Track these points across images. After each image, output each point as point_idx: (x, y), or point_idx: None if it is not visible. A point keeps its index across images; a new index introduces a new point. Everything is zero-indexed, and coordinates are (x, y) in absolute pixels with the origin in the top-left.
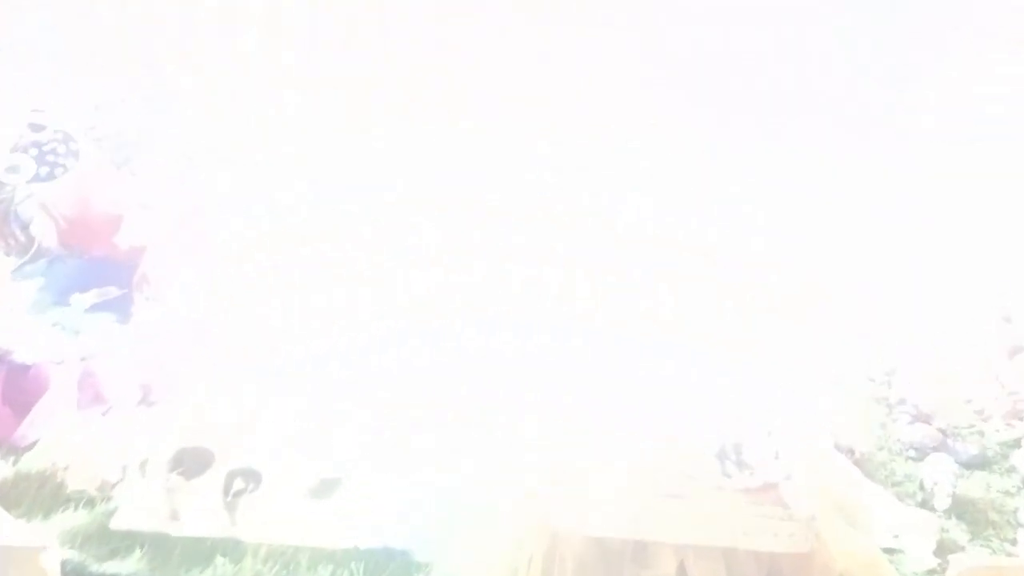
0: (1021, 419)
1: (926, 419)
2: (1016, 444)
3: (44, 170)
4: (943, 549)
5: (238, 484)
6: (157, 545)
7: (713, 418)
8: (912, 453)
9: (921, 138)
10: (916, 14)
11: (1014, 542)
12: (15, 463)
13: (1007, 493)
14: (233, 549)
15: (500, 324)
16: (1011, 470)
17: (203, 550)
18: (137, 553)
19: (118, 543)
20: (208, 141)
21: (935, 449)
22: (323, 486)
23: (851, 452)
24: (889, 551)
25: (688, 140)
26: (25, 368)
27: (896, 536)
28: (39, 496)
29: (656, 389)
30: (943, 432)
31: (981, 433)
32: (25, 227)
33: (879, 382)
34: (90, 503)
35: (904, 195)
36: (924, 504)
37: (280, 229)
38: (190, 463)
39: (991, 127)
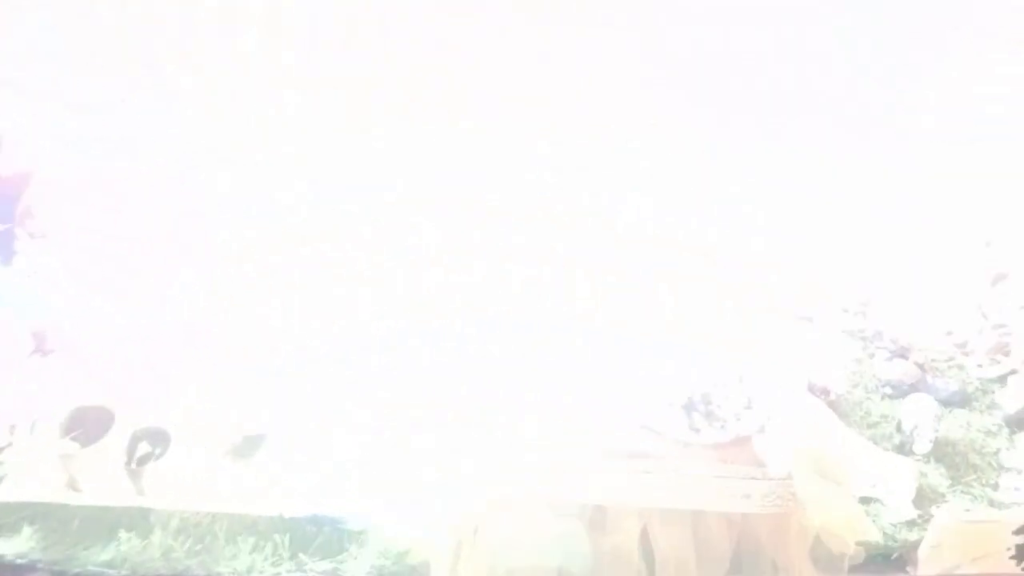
0: (1007, 354)
1: (903, 354)
2: (1001, 381)
3: None
4: (922, 497)
5: (143, 448)
6: (51, 518)
7: (681, 370)
8: (888, 391)
9: (921, 138)
10: (916, 14)
11: (996, 486)
12: None
13: (988, 432)
14: (140, 521)
15: (500, 324)
16: (992, 407)
17: (105, 523)
18: (27, 529)
19: (5, 517)
20: (208, 141)
21: (913, 387)
22: (246, 444)
23: (826, 393)
24: (866, 500)
25: (688, 140)
26: None
27: (874, 485)
28: None
29: (656, 389)
30: (921, 367)
31: (961, 367)
32: None
33: (853, 313)
34: None
35: (904, 195)
36: (901, 448)
37: (280, 229)
38: (85, 426)
39: (991, 127)
